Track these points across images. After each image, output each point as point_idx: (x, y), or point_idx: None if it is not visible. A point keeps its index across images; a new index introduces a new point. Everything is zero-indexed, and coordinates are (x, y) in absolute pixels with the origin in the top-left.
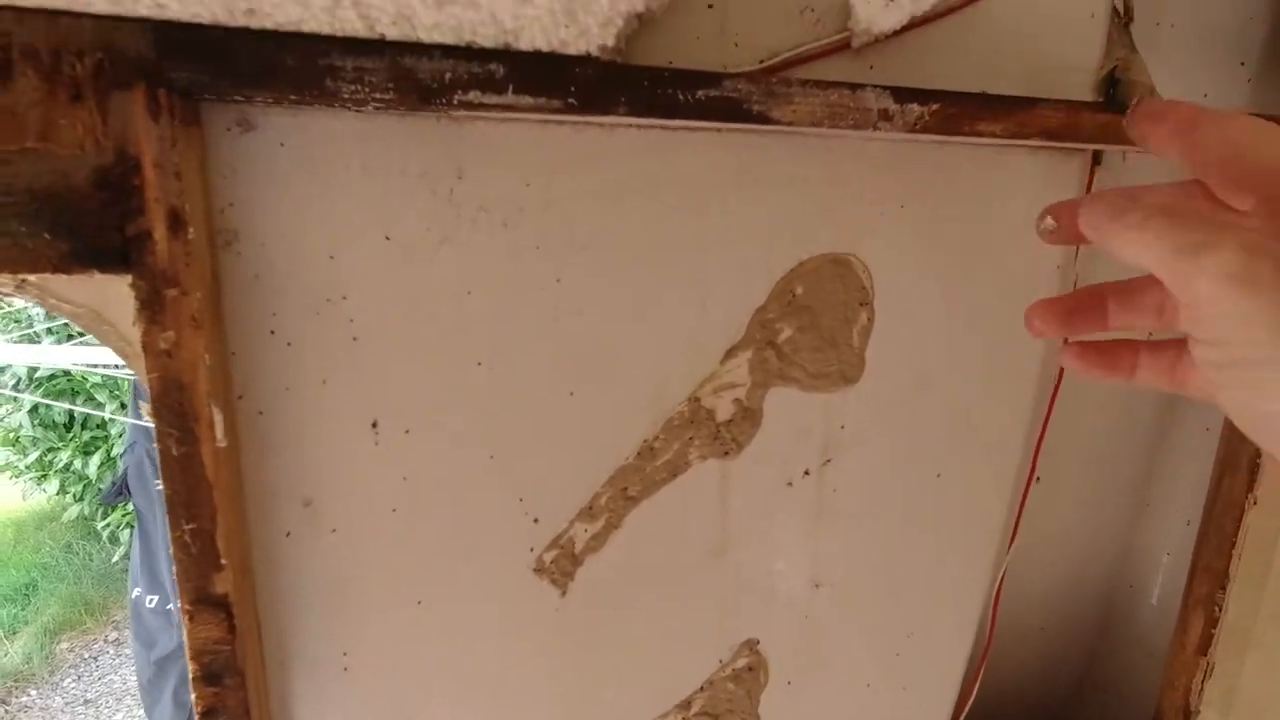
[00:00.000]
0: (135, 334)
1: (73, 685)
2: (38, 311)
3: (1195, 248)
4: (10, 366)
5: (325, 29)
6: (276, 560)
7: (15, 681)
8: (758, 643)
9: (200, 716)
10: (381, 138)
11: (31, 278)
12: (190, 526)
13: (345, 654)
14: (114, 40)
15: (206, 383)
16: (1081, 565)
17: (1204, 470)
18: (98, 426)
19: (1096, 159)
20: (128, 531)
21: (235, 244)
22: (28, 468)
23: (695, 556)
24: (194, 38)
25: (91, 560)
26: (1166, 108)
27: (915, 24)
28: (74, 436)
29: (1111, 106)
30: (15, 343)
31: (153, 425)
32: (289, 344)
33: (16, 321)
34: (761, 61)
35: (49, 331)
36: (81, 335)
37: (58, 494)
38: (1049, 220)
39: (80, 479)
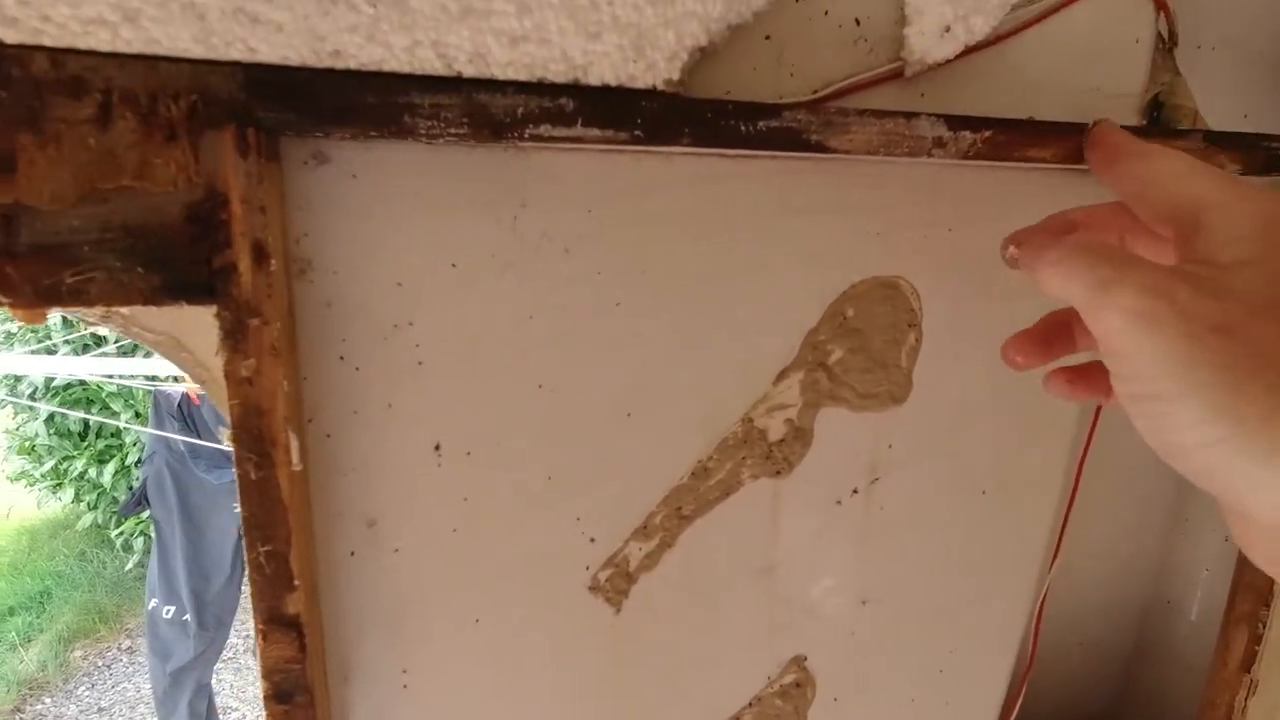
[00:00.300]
0: (213, 361)
1: (86, 693)
2: (54, 321)
3: (1104, 284)
4: (27, 376)
5: (405, 68)
6: (341, 579)
7: (30, 689)
8: (805, 659)
9: None
10: (449, 169)
11: (119, 310)
12: (266, 549)
13: (405, 671)
14: (208, 83)
15: (284, 408)
16: (1119, 581)
17: None
18: (112, 435)
19: None
20: (141, 540)
21: (309, 273)
22: (43, 476)
23: (746, 574)
24: (281, 79)
25: (105, 568)
26: (1099, 136)
27: (965, 52)
28: (89, 445)
29: (1156, 130)
30: (33, 353)
31: (230, 447)
32: (357, 369)
33: (34, 332)
34: (815, 90)
35: (66, 342)
36: (99, 346)
37: (72, 502)
38: (1011, 249)
39: (95, 487)
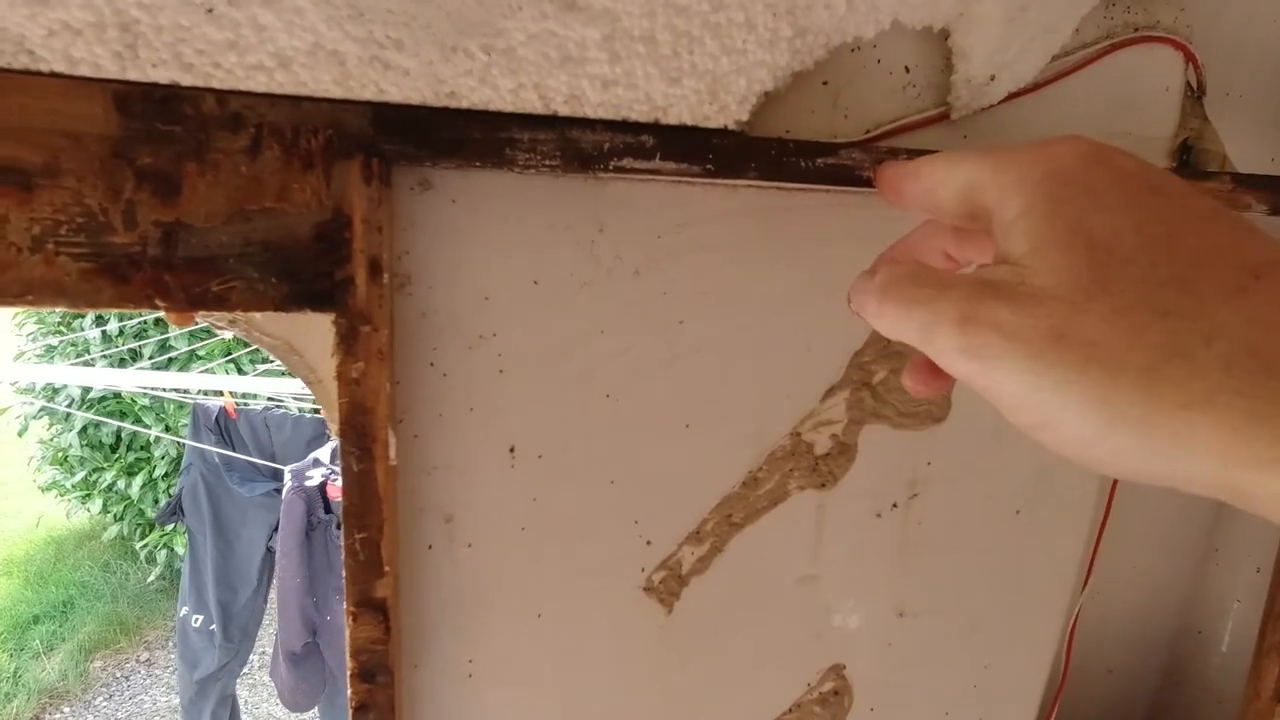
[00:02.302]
0: (320, 364)
1: (104, 704)
2: (94, 335)
3: (926, 329)
4: (65, 387)
5: (509, 108)
6: (418, 570)
7: (50, 698)
8: (844, 668)
9: (354, 711)
10: (536, 195)
11: (246, 315)
12: (361, 535)
13: (470, 661)
14: (342, 120)
15: (385, 408)
16: (1150, 609)
17: None
18: (142, 448)
19: None
20: (165, 552)
21: (408, 286)
22: (74, 487)
23: (790, 581)
24: (404, 116)
25: (128, 579)
26: (880, 178)
27: (1008, 98)
28: (119, 457)
29: (1185, 173)
30: (73, 365)
31: (337, 445)
32: (445, 375)
33: (73, 346)
34: (867, 131)
35: (103, 357)
36: (134, 361)
37: (100, 513)
38: (852, 302)
39: (122, 499)
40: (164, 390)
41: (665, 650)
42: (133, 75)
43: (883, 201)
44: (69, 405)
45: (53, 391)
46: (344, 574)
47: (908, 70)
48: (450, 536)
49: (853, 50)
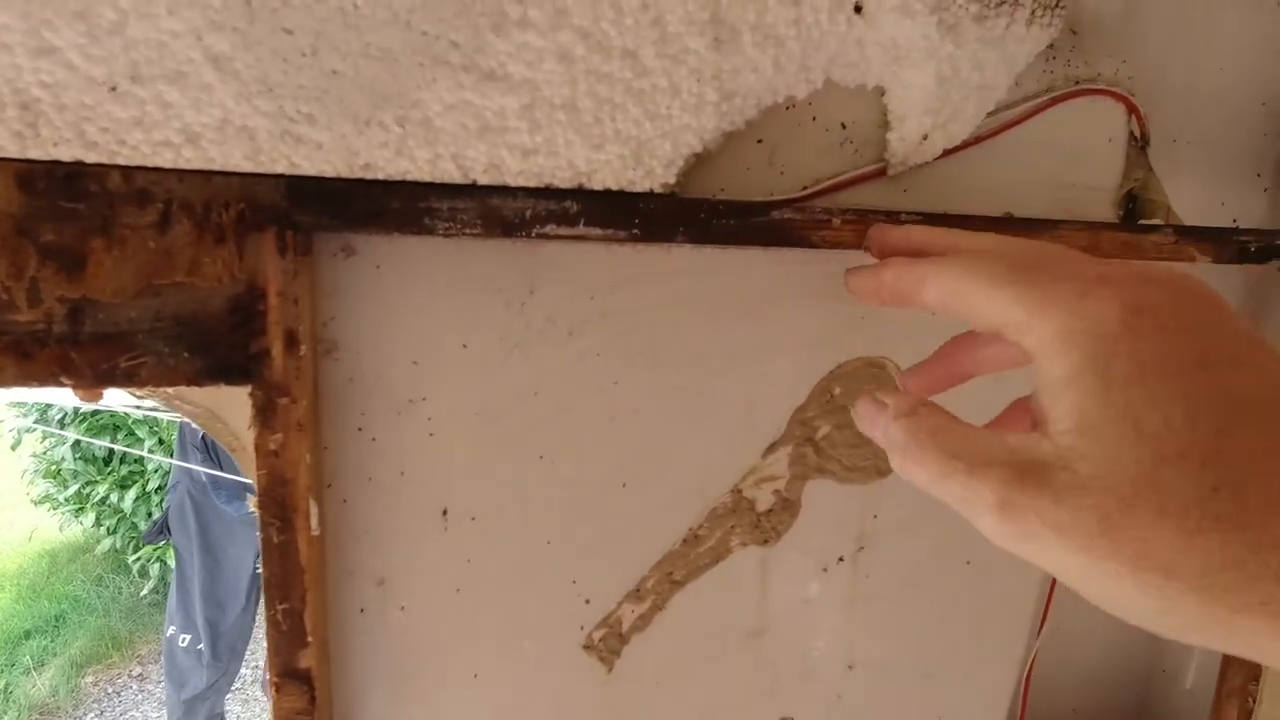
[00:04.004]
0: (245, 432)
1: None
2: None
3: (964, 504)
4: (57, 403)
5: (426, 178)
6: (349, 634)
7: (40, 714)
8: None
9: None
10: (464, 259)
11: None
12: (283, 606)
13: None
14: (255, 193)
15: (306, 479)
16: (1114, 649)
17: None
18: (135, 462)
19: None
20: (158, 566)
21: (334, 353)
22: (67, 500)
23: (735, 637)
24: (318, 188)
25: (121, 594)
26: (878, 278)
27: (946, 153)
28: (112, 471)
29: (1131, 223)
30: None
31: (255, 512)
32: (374, 439)
33: None
34: (805, 187)
35: None
36: None
37: (93, 526)
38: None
39: (115, 512)
40: (154, 408)
41: (607, 709)
42: (34, 154)
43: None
44: (60, 420)
45: (44, 407)
46: (267, 644)
47: (844, 127)
48: (383, 599)
49: (787, 109)
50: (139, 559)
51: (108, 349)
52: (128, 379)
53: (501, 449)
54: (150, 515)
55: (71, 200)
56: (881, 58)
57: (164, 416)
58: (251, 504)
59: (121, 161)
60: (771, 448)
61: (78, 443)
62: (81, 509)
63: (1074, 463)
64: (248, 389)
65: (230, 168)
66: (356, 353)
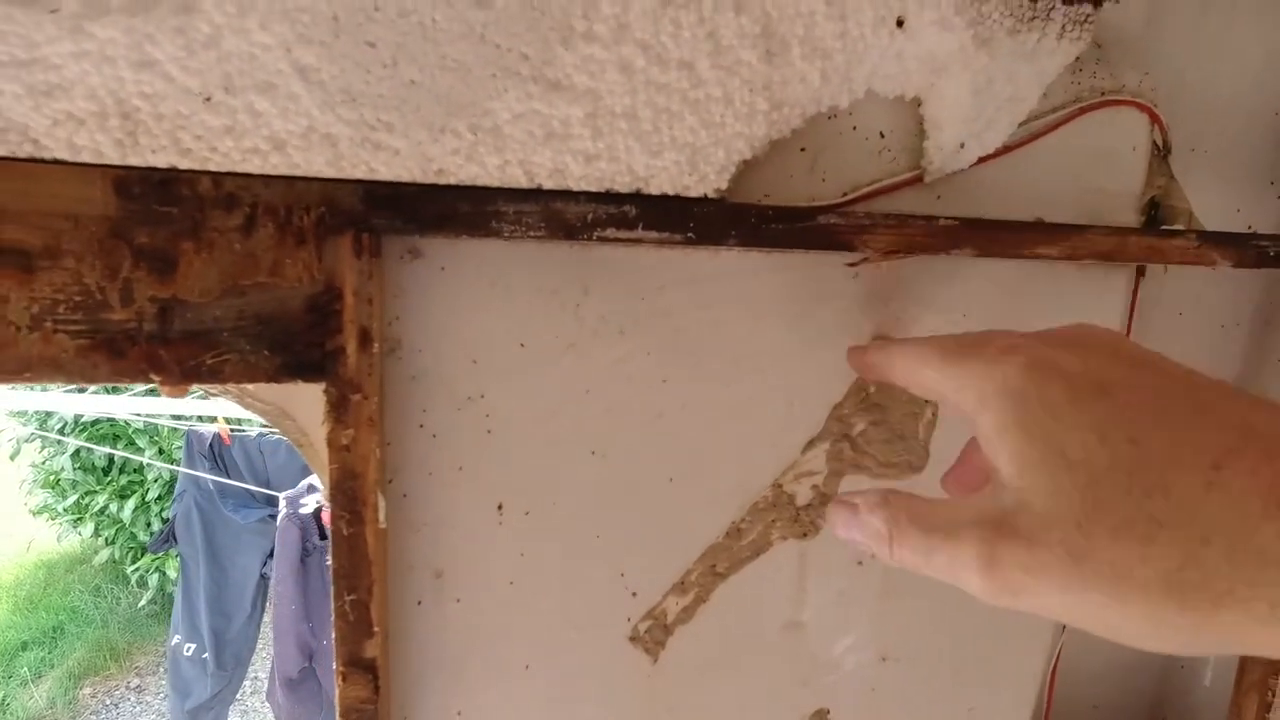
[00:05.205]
0: (313, 429)
1: None
2: None
3: (951, 573)
4: (57, 412)
5: (495, 182)
6: (407, 625)
7: None
8: (828, 713)
9: None
10: (523, 261)
11: (248, 386)
12: (351, 597)
13: (459, 713)
14: (334, 197)
15: (375, 473)
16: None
17: None
18: (135, 472)
19: (1140, 271)
20: (156, 576)
21: (398, 351)
22: (66, 510)
23: (774, 629)
24: (393, 193)
25: (119, 604)
26: (856, 362)
27: (979, 161)
28: (111, 481)
29: (1153, 229)
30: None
31: (327, 506)
32: (434, 435)
33: None
34: (845, 194)
35: None
36: (128, 386)
37: (92, 537)
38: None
39: (114, 523)
40: (158, 416)
41: (651, 699)
42: (132, 160)
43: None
44: (61, 430)
45: (45, 416)
46: (333, 634)
47: (883, 135)
48: (439, 592)
49: (829, 118)
50: (137, 570)
51: (194, 347)
52: (212, 376)
53: (555, 445)
54: (149, 526)
55: (164, 204)
56: (920, 70)
57: (165, 425)
58: (322, 496)
59: (212, 168)
60: (810, 443)
61: (77, 452)
62: (80, 519)
63: (1029, 501)
64: (322, 385)
65: (313, 173)
66: (419, 351)
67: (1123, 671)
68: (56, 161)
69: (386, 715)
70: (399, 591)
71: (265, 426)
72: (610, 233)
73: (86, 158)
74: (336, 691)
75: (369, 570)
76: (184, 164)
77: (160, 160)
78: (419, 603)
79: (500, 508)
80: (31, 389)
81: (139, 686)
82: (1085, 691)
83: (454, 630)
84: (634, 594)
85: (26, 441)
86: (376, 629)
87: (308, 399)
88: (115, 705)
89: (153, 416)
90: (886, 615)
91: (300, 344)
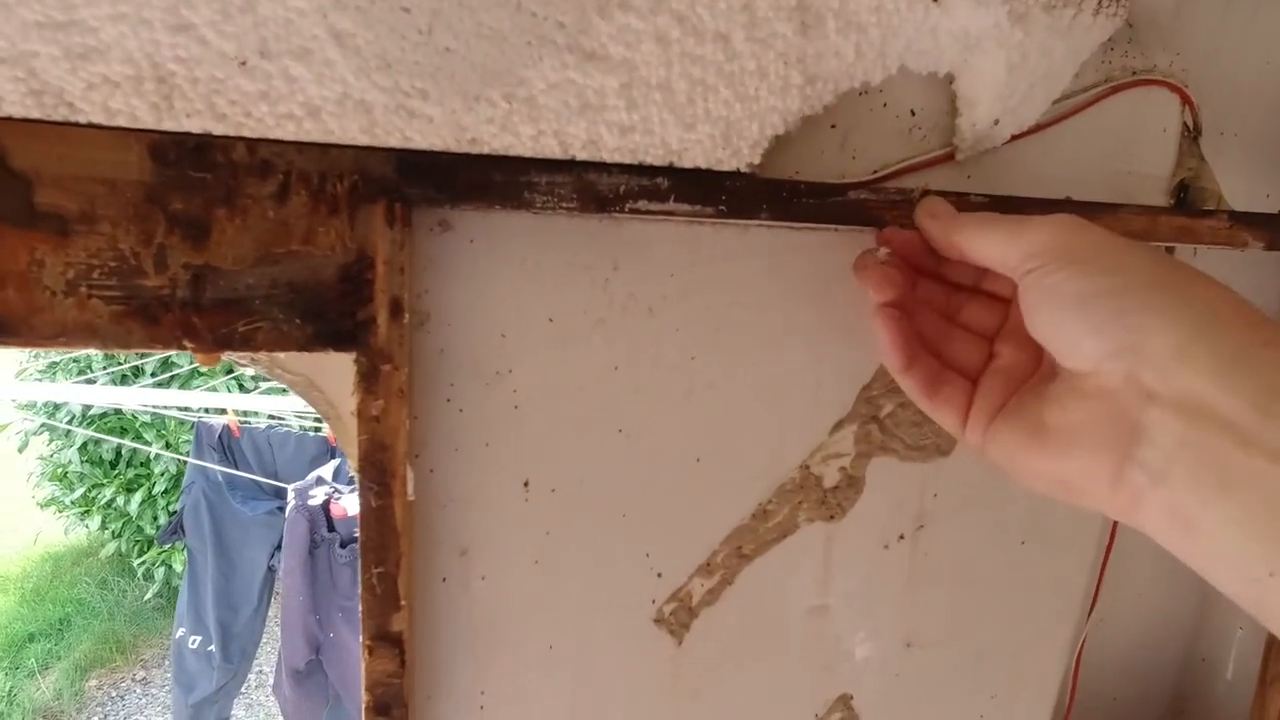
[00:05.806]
0: (340, 400)
1: None
2: (97, 352)
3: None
4: (66, 405)
5: (529, 153)
6: (432, 602)
7: (44, 718)
8: (852, 698)
9: None
10: (553, 235)
11: (269, 354)
12: (379, 570)
13: (483, 692)
14: (367, 165)
15: (404, 444)
16: (1155, 637)
17: None
18: (142, 464)
19: (1170, 252)
20: (162, 569)
21: (427, 324)
22: (73, 503)
23: (799, 612)
24: (427, 161)
25: (125, 597)
26: (931, 210)
27: (1011, 139)
28: (119, 474)
29: (1182, 209)
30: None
31: (356, 478)
32: (461, 410)
33: (75, 362)
34: (875, 171)
35: (105, 372)
36: (136, 378)
37: (99, 530)
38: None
39: (121, 515)
40: (167, 408)
41: (675, 681)
42: (168, 125)
43: (925, 226)
44: (69, 422)
45: (54, 408)
46: (360, 607)
47: (914, 113)
48: (465, 569)
49: (861, 94)
50: (144, 562)
51: (227, 314)
52: (244, 343)
53: (582, 422)
54: (156, 519)
55: (199, 170)
56: (954, 45)
57: (172, 417)
58: (351, 467)
59: (247, 133)
60: (838, 425)
61: (85, 445)
62: (87, 512)
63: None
64: (353, 355)
65: (347, 140)
66: (447, 324)
67: (1143, 664)
68: (92, 125)
69: (412, 691)
70: (424, 569)
71: (274, 418)
72: (643, 205)
73: (122, 121)
74: (362, 665)
75: (397, 543)
76: (219, 129)
77: (195, 125)
78: (444, 580)
79: (526, 485)
80: (45, 379)
81: (145, 679)
82: (1106, 683)
83: (479, 608)
84: (659, 575)
85: (34, 434)
86: (404, 602)
87: (337, 370)
88: (121, 697)
89: (161, 409)
90: (912, 600)
91: (332, 313)
